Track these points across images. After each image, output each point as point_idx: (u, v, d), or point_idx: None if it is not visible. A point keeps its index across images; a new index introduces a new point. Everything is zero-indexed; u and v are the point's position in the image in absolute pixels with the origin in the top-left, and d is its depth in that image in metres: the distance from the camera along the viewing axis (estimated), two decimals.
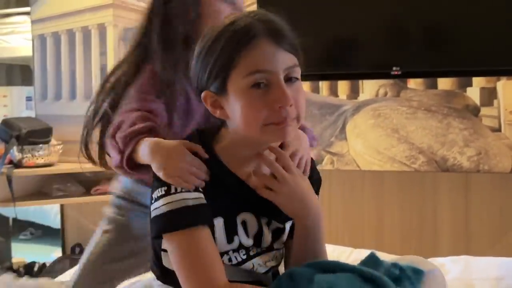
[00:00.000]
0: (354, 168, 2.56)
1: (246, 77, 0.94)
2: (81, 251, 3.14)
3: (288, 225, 1.11)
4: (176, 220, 0.96)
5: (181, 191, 0.97)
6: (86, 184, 3.05)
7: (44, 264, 3.16)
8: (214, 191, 1.00)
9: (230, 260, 1.03)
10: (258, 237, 1.05)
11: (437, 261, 1.74)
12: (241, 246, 1.04)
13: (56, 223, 4.10)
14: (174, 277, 0.98)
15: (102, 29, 3.03)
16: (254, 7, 2.53)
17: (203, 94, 1.00)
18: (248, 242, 1.04)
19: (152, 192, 1.00)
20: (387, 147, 2.49)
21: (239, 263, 1.04)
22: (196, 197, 0.97)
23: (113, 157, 1.21)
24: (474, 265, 1.63)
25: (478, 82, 2.37)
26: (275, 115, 0.95)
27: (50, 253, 3.69)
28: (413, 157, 2.44)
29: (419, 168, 2.43)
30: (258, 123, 0.95)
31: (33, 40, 3.24)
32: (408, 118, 2.46)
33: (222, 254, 1.01)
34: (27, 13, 3.59)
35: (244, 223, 1.03)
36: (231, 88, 0.96)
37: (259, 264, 1.06)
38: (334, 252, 1.86)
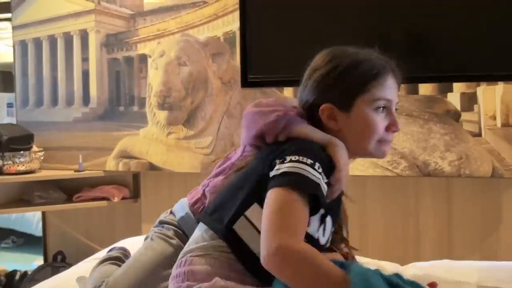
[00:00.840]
0: None
1: (373, 102, 1.19)
2: (63, 259, 3.13)
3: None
4: (304, 183, 1.05)
5: (321, 175, 1.08)
6: (68, 191, 3.03)
7: (25, 272, 3.12)
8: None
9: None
10: (326, 240, 1.20)
11: (419, 265, 1.75)
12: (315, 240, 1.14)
13: (38, 231, 4.06)
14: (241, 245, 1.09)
15: (84, 34, 3.02)
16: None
17: (323, 106, 1.20)
18: (323, 240, 1.17)
19: (294, 154, 1.09)
20: None
21: None
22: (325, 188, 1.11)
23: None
24: (456, 269, 1.65)
25: (459, 87, 2.39)
26: (388, 136, 1.22)
27: (31, 261, 3.65)
28: (395, 162, 2.46)
29: (401, 172, 2.45)
30: (374, 138, 1.20)
31: (14, 46, 3.22)
32: None
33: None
34: (9, 19, 3.56)
35: (324, 225, 1.17)
36: (356, 106, 1.19)
37: None
38: None
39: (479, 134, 2.36)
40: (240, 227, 1.10)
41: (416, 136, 2.43)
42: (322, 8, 2.43)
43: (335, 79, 1.21)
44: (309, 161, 1.07)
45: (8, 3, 3.30)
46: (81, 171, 2.94)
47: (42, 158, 2.98)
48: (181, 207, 1.56)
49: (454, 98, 2.40)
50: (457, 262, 1.76)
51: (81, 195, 3.00)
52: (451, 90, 2.41)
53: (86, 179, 3.01)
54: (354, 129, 1.20)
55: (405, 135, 2.44)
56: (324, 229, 1.16)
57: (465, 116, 2.38)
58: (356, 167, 2.53)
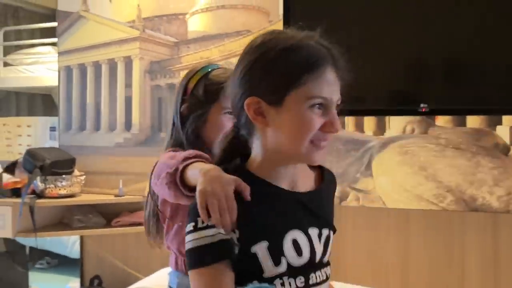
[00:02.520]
0: (380, 205, 2.52)
1: (309, 99, 0.99)
2: (100, 283, 3.13)
3: (332, 235, 1.13)
4: (198, 257, 0.98)
5: (206, 227, 0.98)
6: (107, 215, 3.04)
7: None
8: (258, 210, 1.01)
9: (283, 285, 1.01)
10: (312, 255, 1.06)
11: None
12: (292, 269, 1.02)
13: (72, 253, 4.08)
14: None
15: (128, 61, 3.06)
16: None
17: (249, 100, 1.02)
18: (300, 261, 1.04)
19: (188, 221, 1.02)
20: (414, 185, 2.45)
21: None
22: (219, 232, 0.98)
23: (164, 183, 1.22)
24: None
25: (508, 120, 2.33)
26: (322, 136, 1.02)
27: (65, 283, 3.66)
28: (441, 196, 2.40)
29: (447, 207, 2.38)
30: (306, 139, 1.00)
31: (59, 71, 3.28)
32: (436, 156, 2.42)
33: (273, 279, 1.01)
34: (53, 44, 3.64)
35: (295, 242, 1.04)
36: (287, 102, 1.00)
37: None
38: None
39: None
40: None
41: (463, 169, 2.37)
42: (368, 38, 2.41)
43: (263, 69, 1.01)
44: (192, 225, 0.98)
45: (54, 28, 3.38)
46: (121, 196, 2.96)
47: (83, 182, 3.01)
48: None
49: (503, 131, 2.34)
50: None
51: (119, 219, 3.01)
52: (500, 123, 2.35)
53: (126, 204, 3.02)
54: (284, 126, 1.01)
55: (452, 168, 2.39)
56: (296, 250, 1.03)
57: None
58: (400, 200, 2.48)
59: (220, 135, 1.28)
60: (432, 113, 2.37)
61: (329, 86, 1.00)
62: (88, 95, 3.19)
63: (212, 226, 0.97)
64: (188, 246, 0.99)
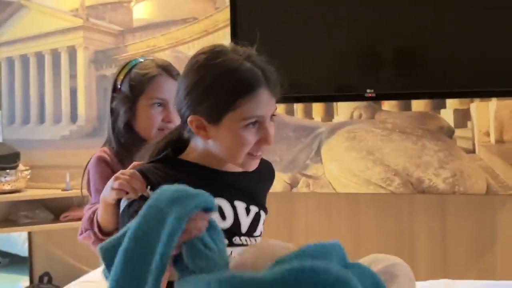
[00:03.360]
0: (330, 190, 2.53)
1: (243, 120, 1.10)
2: (50, 281, 3.04)
3: (263, 214, 1.24)
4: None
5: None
6: (55, 210, 2.96)
7: None
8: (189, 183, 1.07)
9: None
10: (236, 222, 1.16)
11: (418, 285, 1.70)
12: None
13: (23, 251, 3.97)
14: None
15: (72, 51, 2.97)
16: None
17: (190, 118, 1.13)
18: (224, 225, 1.13)
19: None
20: (362, 169, 2.47)
21: None
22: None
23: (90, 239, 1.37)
24: None
25: (452, 104, 2.38)
26: (257, 149, 1.14)
27: (17, 282, 3.56)
28: (389, 179, 2.43)
29: (395, 190, 2.42)
30: (242, 154, 1.13)
31: (0, 63, 3.17)
32: (383, 140, 2.45)
33: None
34: None
35: (219, 208, 1.13)
36: (225, 122, 1.11)
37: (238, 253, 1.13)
38: None
39: (473, 151, 2.34)
40: None
41: (410, 153, 2.40)
42: (314, 25, 2.41)
43: (202, 93, 1.12)
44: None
45: None
46: (68, 190, 2.88)
47: (28, 177, 2.92)
48: None
49: (447, 115, 2.38)
50: (456, 281, 1.72)
51: (68, 214, 2.93)
52: (444, 107, 2.39)
53: (74, 198, 2.94)
54: (223, 141, 1.13)
55: (398, 152, 2.42)
56: (221, 214, 1.14)
57: (458, 132, 2.36)
58: (350, 185, 2.50)
59: (151, 126, 1.43)
60: (378, 98, 2.39)
61: (263, 105, 1.11)
62: (32, 87, 3.08)
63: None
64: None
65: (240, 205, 1.18)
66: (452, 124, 2.37)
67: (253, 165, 1.17)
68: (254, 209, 1.21)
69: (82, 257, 3.10)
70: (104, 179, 1.30)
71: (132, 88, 1.44)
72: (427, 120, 2.41)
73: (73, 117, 2.98)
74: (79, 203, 2.97)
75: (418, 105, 2.43)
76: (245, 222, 1.18)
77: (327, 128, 2.55)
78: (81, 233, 1.38)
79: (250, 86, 1.10)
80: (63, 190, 2.89)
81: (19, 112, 3.12)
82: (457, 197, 2.40)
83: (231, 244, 1.13)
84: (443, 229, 2.46)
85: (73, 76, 2.98)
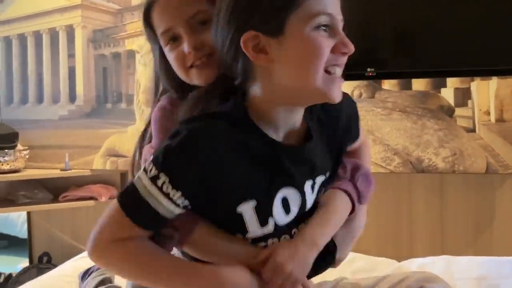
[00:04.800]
0: None
1: (312, 18, 0.89)
2: (49, 260, 3.05)
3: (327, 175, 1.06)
4: (132, 206, 0.93)
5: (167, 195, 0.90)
6: (54, 190, 2.95)
7: (10, 275, 3.04)
8: (246, 167, 0.92)
9: (266, 247, 0.96)
10: (302, 209, 0.99)
11: (417, 261, 1.72)
12: (278, 229, 0.97)
13: (23, 233, 3.97)
14: None
15: (70, 30, 2.95)
16: None
17: (245, 36, 0.89)
18: (286, 219, 0.97)
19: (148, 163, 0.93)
20: None
21: None
22: (171, 211, 0.92)
23: None
24: (455, 265, 1.62)
25: (452, 82, 2.37)
26: (335, 60, 0.92)
27: (17, 264, 3.57)
28: (388, 159, 2.43)
29: (395, 169, 2.42)
30: (319, 68, 0.90)
31: None
32: (383, 119, 2.44)
33: (256, 240, 0.96)
34: None
35: (285, 200, 0.96)
36: (289, 29, 0.89)
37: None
38: None
39: (473, 130, 2.34)
40: None
41: (410, 132, 2.40)
42: None
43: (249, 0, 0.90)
44: (152, 170, 0.91)
45: None
46: (67, 170, 2.87)
47: (27, 157, 2.91)
48: None
49: (447, 94, 2.38)
50: (456, 257, 1.73)
51: (67, 194, 2.93)
52: (444, 86, 2.39)
53: (73, 178, 2.94)
54: (291, 58, 0.89)
55: (398, 131, 2.41)
56: (285, 208, 0.96)
57: (459, 111, 2.36)
58: None
59: (176, 67, 1.13)
60: (379, 77, 2.38)
61: (329, 1, 0.92)
62: (30, 66, 3.06)
63: (167, 196, 0.89)
64: (134, 184, 0.91)
65: (308, 186, 1.00)
66: (452, 103, 2.37)
67: (337, 91, 0.93)
68: (319, 179, 1.03)
69: (81, 236, 3.11)
70: (163, 129, 1.13)
71: (146, 30, 1.19)
72: (428, 99, 2.40)
73: (72, 97, 2.97)
74: (78, 183, 2.98)
75: (419, 84, 2.42)
76: (310, 202, 1.01)
77: None
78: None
79: None
80: (62, 170, 2.89)
81: (17, 92, 3.10)
82: (456, 176, 2.40)
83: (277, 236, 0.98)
84: (442, 207, 2.46)
85: (71, 56, 2.96)
